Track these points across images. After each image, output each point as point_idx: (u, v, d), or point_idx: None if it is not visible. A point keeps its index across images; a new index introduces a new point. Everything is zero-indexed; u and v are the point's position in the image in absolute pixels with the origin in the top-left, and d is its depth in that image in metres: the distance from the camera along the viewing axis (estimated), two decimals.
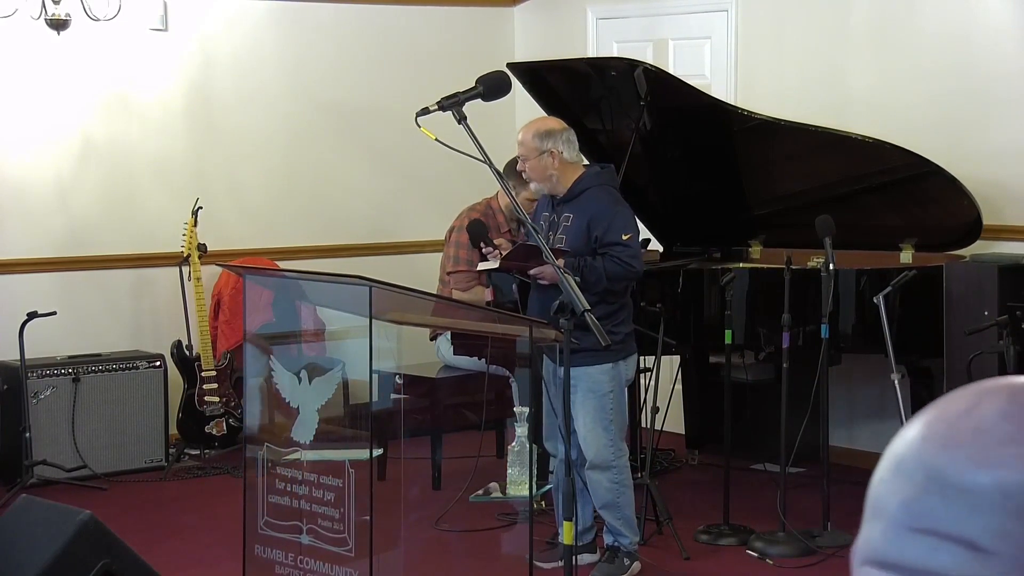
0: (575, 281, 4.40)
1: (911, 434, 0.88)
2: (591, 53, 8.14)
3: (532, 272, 5.28)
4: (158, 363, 7.31)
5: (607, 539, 5.54)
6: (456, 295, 6.78)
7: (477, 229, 5.85)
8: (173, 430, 7.40)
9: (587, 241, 5.29)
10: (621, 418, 5.54)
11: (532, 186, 5.47)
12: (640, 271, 5.41)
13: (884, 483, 0.88)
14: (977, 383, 0.89)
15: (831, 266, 5.66)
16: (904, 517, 0.85)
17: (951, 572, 0.83)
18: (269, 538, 4.86)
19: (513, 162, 6.84)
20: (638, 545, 5.59)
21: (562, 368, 5.35)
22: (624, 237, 5.30)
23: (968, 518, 0.82)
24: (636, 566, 5.54)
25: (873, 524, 0.88)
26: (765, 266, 6.57)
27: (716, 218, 7.01)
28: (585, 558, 5.58)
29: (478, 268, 5.53)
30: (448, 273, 6.92)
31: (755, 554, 5.81)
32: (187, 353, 7.40)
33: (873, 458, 6.71)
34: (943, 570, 0.83)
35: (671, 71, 7.07)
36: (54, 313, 6.93)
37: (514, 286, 6.29)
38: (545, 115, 5.75)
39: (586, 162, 5.75)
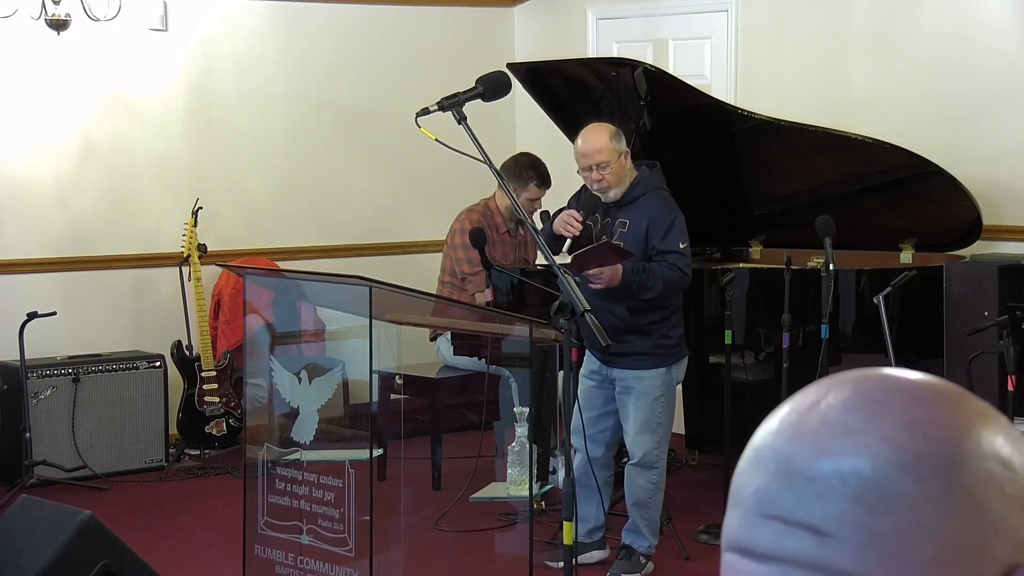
0: (575, 282, 4.39)
1: (769, 426, 0.93)
2: (591, 53, 8.13)
3: (591, 273, 5.12)
4: (158, 363, 7.31)
5: (625, 538, 5.55)
6: (479, 297, 6.77)
7: (477, 237, 5.86)
8: (173, 430, 7.40)
9: (645, 247, 5.28)
10: (669, 420, 5.54)
11: (612, 192, 5.29)
12: (690, 280, 5.43)
13: (743, 473, 0.92)
14: (831, 376, 0.93)
15: (831, 266, 5.65)
16: (756, 504, 0.89)
17: (796, 555, 0.86)
18: (269, 538, 4.86)
19: (511, 163, 6.86)
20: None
21: (613, 369, 5.38)
22: (681, 246, 5.30)
23: (810, 504, 0.86)
24: (650, 566, 5.56)
25: (732, 512, 0.92)
26: (765, 266, 6.57)
27: (716, 218, 7.01)
28: (594, 555, 5.60)
29: (539, 263, 5.41)
30: (468, 276, 6.88)
31: None
32: (187, 353, 7.40)
33: None
34: (789, 554, 0.87)
35: (671, 71, 7.07)
36: (54, 313, 6.93)
37: (511, 283, 6.29)
38: (599, 122, 5.42)
39: None
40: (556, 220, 5.32)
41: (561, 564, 5.40)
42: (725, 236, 7.11)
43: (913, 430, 0.87)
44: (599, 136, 5.32)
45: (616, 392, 5.43)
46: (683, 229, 5.34)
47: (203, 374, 7.41)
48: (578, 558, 5.55)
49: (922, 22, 6.86)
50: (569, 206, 5.47)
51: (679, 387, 7.26)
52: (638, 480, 5.45)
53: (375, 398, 4.98)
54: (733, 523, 0.91)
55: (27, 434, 6.82)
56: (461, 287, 6.96)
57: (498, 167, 4.93)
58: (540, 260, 5.44)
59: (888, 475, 0.85)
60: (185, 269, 7.35)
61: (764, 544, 0.88)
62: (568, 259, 5.05)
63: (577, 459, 5.42)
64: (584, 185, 5.48)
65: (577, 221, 5.18)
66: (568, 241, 5.12)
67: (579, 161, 5.36)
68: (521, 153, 7.08)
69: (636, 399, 5.37)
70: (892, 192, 6.48)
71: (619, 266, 5.16)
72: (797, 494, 0.87)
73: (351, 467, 4.63)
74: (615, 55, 7.63)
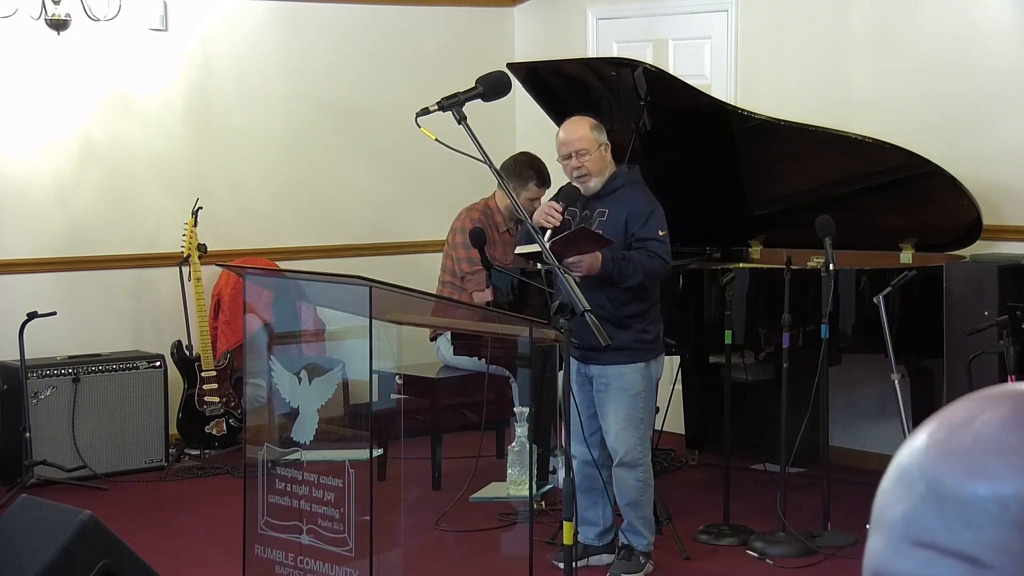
0: (575, 281, 4.40)
1: (915, 443, 0.85)
2: (591, 53, 8.13)
3: (571, 260, 5.13)
4: (158, 363, 7.31)
5: (623, 538, 5.55)
6: (477, 296, 6.77)
7: (477, 237, 5.85)
8: (173, 430, 7.40)
9: (625, 238, 5.31)
10: (650, 417, 5.57)
11: (592, 182, 5.35)
12: (670, 268, 5.44)
13: (886, 493, 0.85)
14: (984, 390, 0.86)
15: (831, 266, 5.65)
16: (903, 529, 0.83)
17: None
18: (269, 538, 4.86)
19: (511, 162, 6.86)
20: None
21: (591, 366, 5.38)
22: (660, 233, 5.33)
23: (966, 531, 0.80)
24: (650, 566, 5.56)
25: (876, 536, 0.85)
26: (765, 266, 6.57)
27: (716, 218, 7.01)
28: (604, 558, 5.60)
29: (516, 251, 5.43)
30: (467, 275, 6.89)
31: (755, 554, 5.81)
32: (187, 353, 7.40)
33: (873, 458, 6.70)
34: None
35: (671, 71, 7.08)
36: (54, 313, 6.93)
37: (512, 284, 6.28)
38: (578, 115, 5.57)
39: None
40: (536, 212, 5.34)
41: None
42: (725, 236, 7.11)
43: None
44: (580, 125, 5.41)
45: (594, 390, 5.43)
46: (662, 218, 5.38)
47: (203, 374, 7.41)
48: (589, 561, 5.58)
49: (922, 22, 6.86)
50: None
51: (679, 388, 7.31)
52: (627, 480, 5.44)
53: (375, 398, 4.98)
54: (877, 548, 0.85)
55: (27, 434, 6.82)
56: (461, 287, 6.96)
57: (498, 167, 4.93)
58: (522, 248, 5.40)
59: None
60: (185, 269, 7.35)
61: (912, 572, 0.82)
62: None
63: (575, 464, 5.43)
64: (562, 187, 5.50)
65: (557, 212, 5.20)
66: (548, 233, 5.12)
67: (559, 150, 5.43)
68: (521, 153, 7.08)
69: (616, 395, 5.37)
70: (892, 192, 6.48)
71: (598, 254, 5.18)
72: (949, 519, 0.80)
73: (351, 467, 4.63)
74: (615, 55, 7.63)
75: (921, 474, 0.82)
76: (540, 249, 4.69)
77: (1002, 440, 0.81)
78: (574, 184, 5.40)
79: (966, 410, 0.84)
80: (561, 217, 5.21)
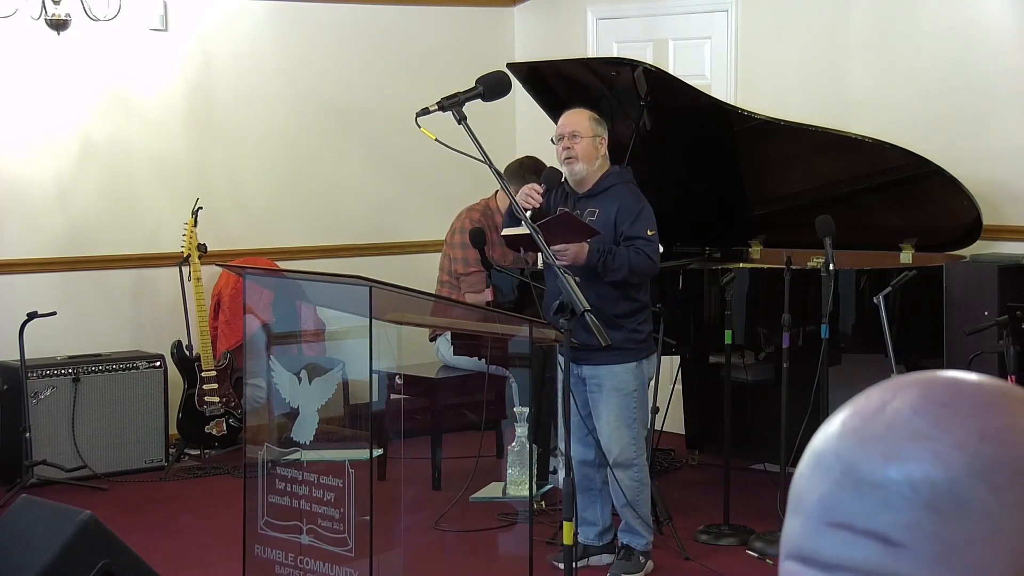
0: (575, 281, 4.39)
1: (830, 430, 0.89)
2: (591, 53, 8.13)
3: (556, 248, 5.08)
4: (158, 363, 7.31)
5: (622, 538, 5.55)
6: (470, 298, 6.77)
7: (477, 237, 5.85)
8: (173, 430, 7.40)
9: (614, 235, 5.32)
10: (643, 416, 5.56)
11: (577, 167, 5.39)
12: (658, 268, 5.45)
13: (803, 478, 0.89)
14: (893, 378, 0.90)
15: (831, 266, 5.65)
16: (820, 512, 0.86)
17: (865, 565, 0.84)
18: (269, 538, 4.86)
19: (516, 164, 6.86)
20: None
21: (583, 366, 5.39)
22: (649, 233, 5.35)
23: (880, 512, 0.84)
24: (650, 565, 5.57)
25: (793, 519, 0.89)
26: (765, 266, 6.57)
27: (716, 218, 7.01)
28: (603, 559, 5.60)
29: (503, 233, 5.44)
30: (461, 276, 6.90)
31: (755, 554, 5.81)
32: (187, 353, 7.40)
33: None
34: (857, 564, 0.84)
35: (671, 71, 7.08)
36: (54, 313, 6.93)
37: (514, 286, 6.29)
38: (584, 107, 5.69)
39: None
40: (519, 194, 5.33)
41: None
42: (725, 236, 7.11)
43: (986, 436, 0.84)
44: (580, 113, 5.48)
45: (587, 390, 5.43)
46: (652, 217, 5.40)
47: (203, 374, 7.40)
48: (589, 561, 5.57)
49: (922, 22, 6.86)
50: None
51: (679, 388, 7.31)
52: (623, 480, 5.44)
53: (375, 398, 4.98)
54: (795, 531, 0.88)
55: (27, 434, 6.82)
56: (459, 286, 6.96)
57: (501, 169, 4.93)
58: (508, 231, 5.40)
59: (962, 483, 0.83)
60: (185, 269, 7.35)
61: (830, 553, 0.85)
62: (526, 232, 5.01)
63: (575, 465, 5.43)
64: (545, 170, 5.52)
65: (537, 192, 5.21)
66: (528, 214, 5.11)
67: (556, 131, 5.49)
68: (526, 156, 7.08)
69: (608, 395, 5.37)
70: (892, 192, 6.48)
71: (585, 244, 5.18)
72: (865, 502, 0.84)
73: (351, 467, 4.63)
74: (615, 55, 7.63)
75: (837, 460, 0.86)
76: (526, 231, 4.69)
77: (912, 425, 0.85)
78: (562, 168, 5.43)
79: (878, 397, 0.88)
80: (541, 199, 5.21)
